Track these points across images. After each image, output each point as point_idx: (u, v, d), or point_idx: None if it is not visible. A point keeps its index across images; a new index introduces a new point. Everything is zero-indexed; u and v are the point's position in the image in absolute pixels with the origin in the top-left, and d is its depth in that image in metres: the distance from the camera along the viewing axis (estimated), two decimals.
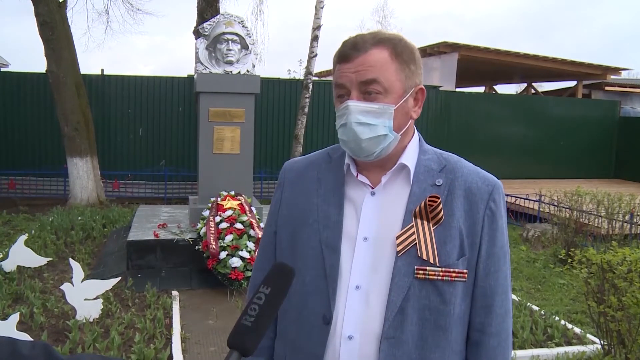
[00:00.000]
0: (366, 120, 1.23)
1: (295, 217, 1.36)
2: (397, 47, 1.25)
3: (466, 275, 1.25)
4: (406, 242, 1.23)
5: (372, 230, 1.27)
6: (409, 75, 1.26)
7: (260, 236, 5.43)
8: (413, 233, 1.24)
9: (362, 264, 1.26)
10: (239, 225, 5.54)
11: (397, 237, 1.24)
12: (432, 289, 1.22)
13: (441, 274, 1.22)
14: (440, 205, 1.25)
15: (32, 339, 3.53)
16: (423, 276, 1.22)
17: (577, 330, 4.66)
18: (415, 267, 1.22)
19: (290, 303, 1.33)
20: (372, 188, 1.30)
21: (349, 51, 1.24)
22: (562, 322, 4.74)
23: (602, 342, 4.01)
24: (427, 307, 1.23)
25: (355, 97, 1.23)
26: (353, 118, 1.23)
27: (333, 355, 1.25)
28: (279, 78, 12.41)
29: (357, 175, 1.31)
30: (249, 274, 5.23)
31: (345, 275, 1.26)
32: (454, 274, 1.23)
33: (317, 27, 10.11)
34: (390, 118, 1.24)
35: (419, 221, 1.25)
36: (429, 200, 1.25)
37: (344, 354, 1.23)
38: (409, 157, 1.31)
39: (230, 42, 6.30)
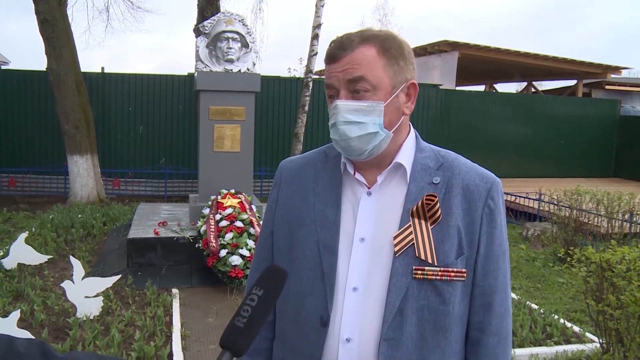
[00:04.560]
0: (355, 119, 1.22)
1: (292, 217, 1.35)
2: (384, 43, 1.24)
3: (465, 274, 1.23)
4: (404, 242, 1.21)
5: (369, 230, 1.26)
6: (398, 71, 1.25)
7: None
8: (411, 233, 1.22)
9: (359, 265, 1.24)
10: (239, 224, 5.55)
11: (395, 237, 1.22)
12: (431, 289, 1.21)
13: (440, 273, 1.21)
14: (438, 204, 1.23)
15: (32, 337, 3.55)
16: (421, 276, 1.20)
17: (576, 328, 4.66)
18: (414, 267, 1.20)
19: (288, 304, 1.32)
20: (369, 188, 1.29)
21: (336, 51, 1.24)
22: (561, 320, 4.75)
23: (600, 340, 4.02)
24: (426, 307, 1.21)
25: (344, 96, 1.23)
26: (341, 117, 1.22)
27: (331, 358, 1.23)
28: (279, 76, 12.40)
29: (355, 173, 1.30)
30: (249, 271, 5.24)
31: (342, 276, 1.25)
32: (452, 274, 1.22)
33: (317, 26, 10.11)
34: (380, 115, 1.23)
35: (416, 220, 1.23)
36: (426, 199, 1.23)
37: (342, 356, 1.22)
38: (405, 156, 1.29)
39: (230, 40, 6.30)
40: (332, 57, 1.24)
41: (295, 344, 1.30)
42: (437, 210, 1.23)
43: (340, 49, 1.23)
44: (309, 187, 1.35)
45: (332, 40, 1.27)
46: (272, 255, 1.41)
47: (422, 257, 1.21)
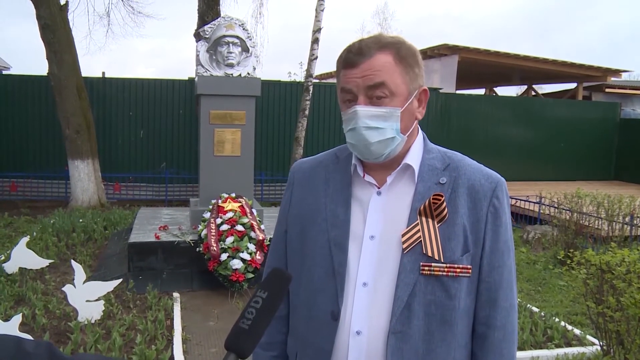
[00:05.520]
0: (374, 124, 1.26)
1: (304, 216, 1.40)
2: (400, 50, 1.28)
3: (470, 270, 1.28)
4: (411, 240, 1.26)
5: (378, 228, 1.30)
6: (413, 78, 1.30)
7: (260, 238, 5.48)
8: (418, 231, 1.27)
9: (368, 262, 1.29)
10: (239, 227, 5.56)
11: (403, 235, 1.27)
12: (437, 284, 1.26)
13: (446, 269, 1.25)
14: (445, 203, 1.28)
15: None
16: (428, 272, 1.25)
17: (576, 331, 4.67)
18: (421, 263, 1.25)
19: (300, 300, 1.37)
20: (378, 188, 1.33)
21: (354, 57, 1.27)
22: (562, 323, 4.75)
23: (601, 343, 4.02)
24: (432, 302, 1.26)
25: (363, 102, 1.27)
26: (361, 123, 1.26)
27: (342, 350, 1.28)
28: (279, 80, 12.43)
29: (364, 175, 1.35)
30: (250, 275, 5.26)
31: (352, 272, 1.30)
32: (458, 270, 1.26)
33: (317, 30, 10.13)
34: (397, 121, 1.28)
35: (423, 219, 1.28)
36: (433, 199, 1.28)
37: (352, 348, 1.27)
38: (414, 157, 1.34)
39: (231, 44, 6.32)
40: (351, 63, 1.27)
41: (307, 338, 1.35)
42: (444, 209, 1.28)
43: (358, 54, 1.26)
44: (320, 187, 1.40)
45: (347, 46, 1.30)
46: (285, 253, 1.46)
47: (429, 254, 1.25)
